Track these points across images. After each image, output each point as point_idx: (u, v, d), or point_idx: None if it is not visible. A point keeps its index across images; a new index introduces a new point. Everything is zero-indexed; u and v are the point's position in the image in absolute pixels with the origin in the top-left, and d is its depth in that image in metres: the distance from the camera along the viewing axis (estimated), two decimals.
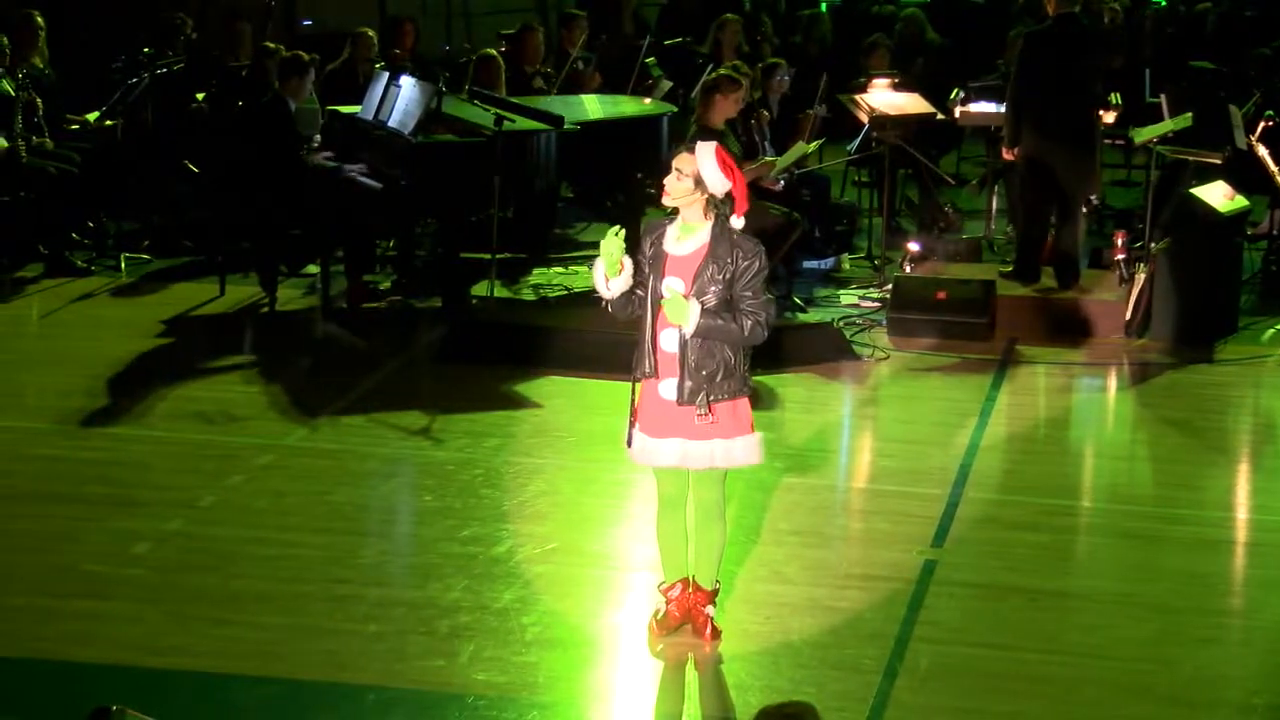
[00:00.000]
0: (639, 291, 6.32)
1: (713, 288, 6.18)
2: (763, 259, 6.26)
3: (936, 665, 6.44)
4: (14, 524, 7.72)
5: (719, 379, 6.23)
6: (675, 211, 6.32)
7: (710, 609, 6.56)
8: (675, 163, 6.25)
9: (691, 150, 6.24)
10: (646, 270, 6.31)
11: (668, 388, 6.27)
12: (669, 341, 6.25)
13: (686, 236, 6.27)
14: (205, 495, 8.05)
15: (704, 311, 6.14)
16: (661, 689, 6.42)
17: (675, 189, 6.24)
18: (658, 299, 6.22)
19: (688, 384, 6.22)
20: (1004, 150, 11.48)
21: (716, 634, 6.55)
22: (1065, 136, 10.97)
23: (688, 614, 6.60)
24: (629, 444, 6.41)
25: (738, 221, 6.25)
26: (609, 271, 6.25)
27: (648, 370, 6.30)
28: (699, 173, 6.19)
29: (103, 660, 6.37)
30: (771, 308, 6.29)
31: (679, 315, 6.13)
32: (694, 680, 6.41)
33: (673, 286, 6.18)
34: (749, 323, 6.19)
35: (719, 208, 6.23)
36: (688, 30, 16.20)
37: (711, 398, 6.23)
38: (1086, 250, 11.68)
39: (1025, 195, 11.29)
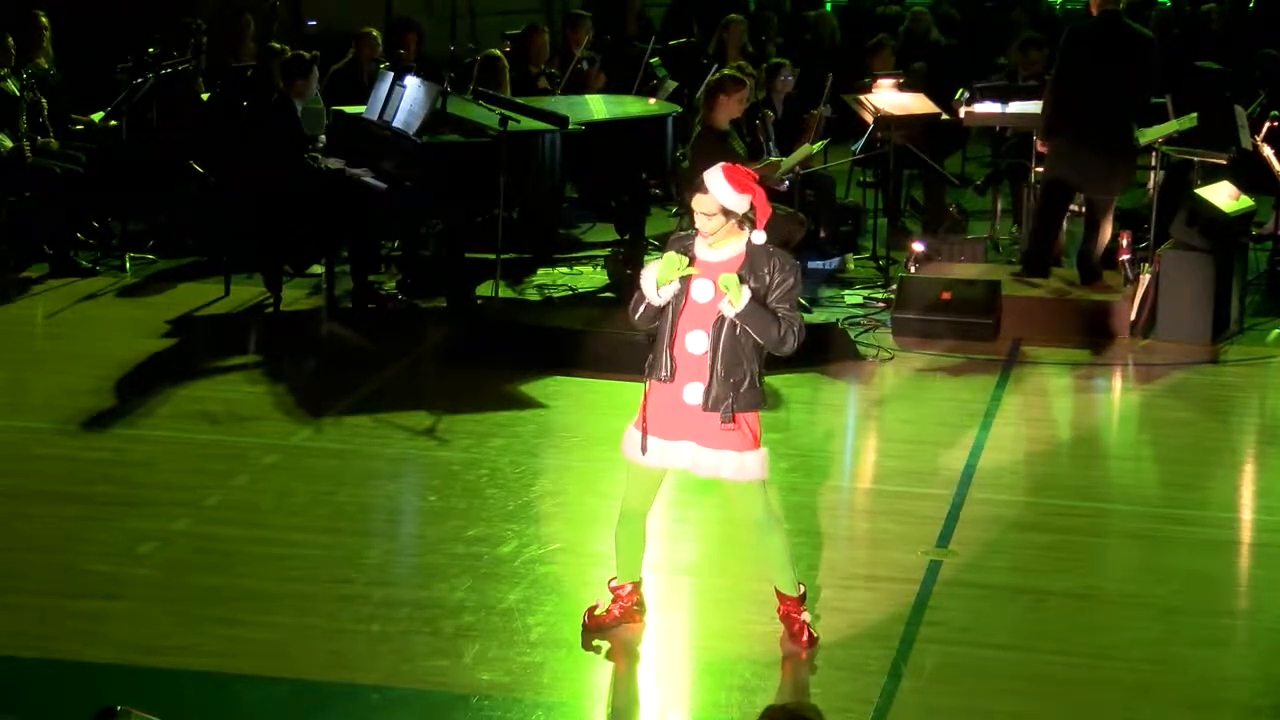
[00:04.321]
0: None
1: None
2: (799, 275, 6.25)
3: (942, 666, 6.44)
4: (20, 524, 7.73)
5: (744, 389, 6.22)
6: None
7: (805, 615, 6.54)
8: (696, 206, 6.19)
9: (704, 189, 6.18)
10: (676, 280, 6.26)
11: (692, 392, 6.24)
12: (696, 344, 6.22)
13: (720, 245, 6.24)
14: (211, 495, 8.05)
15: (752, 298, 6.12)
16: (666, 690, 6.43)
17: (709, 227, 6.18)
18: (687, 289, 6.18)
19: (714, 391, 6.20)
20: (1039, 143, 11.46)
21: (813, 641, 6.52)
22: (1098, 139, 10.92)
23: (627, 614, 6.63)
24: (642, 450, 6.36)
25: (759, 236, 6.21)
26: (662, 278, 6.19)
27: (664, 374, 6.27)
28: (721, 205, 6.15)
29: (108, 660, 6.38)
30: (802, 324, 6.27)
31: (734, 289, 6.07)
32: (698, 681, 6.41)
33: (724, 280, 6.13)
34: (784, 327, 6.17)
35: (750, 222, 6.21)
36: (693, 30, 16.21)
37: (736, 407, 6.22)
38: None
39: (1045, 191, 11.26)
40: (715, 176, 6.18)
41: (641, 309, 6.32)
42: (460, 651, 6.49)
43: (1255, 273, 11.84)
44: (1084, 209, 11.37)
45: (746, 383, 6.23)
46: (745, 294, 6.10)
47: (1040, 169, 11.58)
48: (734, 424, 6.23)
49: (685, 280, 6.23)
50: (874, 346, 10.56)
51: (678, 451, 6.33)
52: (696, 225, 6.23)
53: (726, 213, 6.16)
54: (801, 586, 6.58)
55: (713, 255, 6.24)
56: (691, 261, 6.23)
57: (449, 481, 8.31)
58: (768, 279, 6.17)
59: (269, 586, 7.03)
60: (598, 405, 9.46)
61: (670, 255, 6.21)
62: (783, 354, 6.30)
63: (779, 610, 6.57)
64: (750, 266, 6.19)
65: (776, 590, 6.56)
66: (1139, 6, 18.45)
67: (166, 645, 6.49)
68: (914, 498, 8.17)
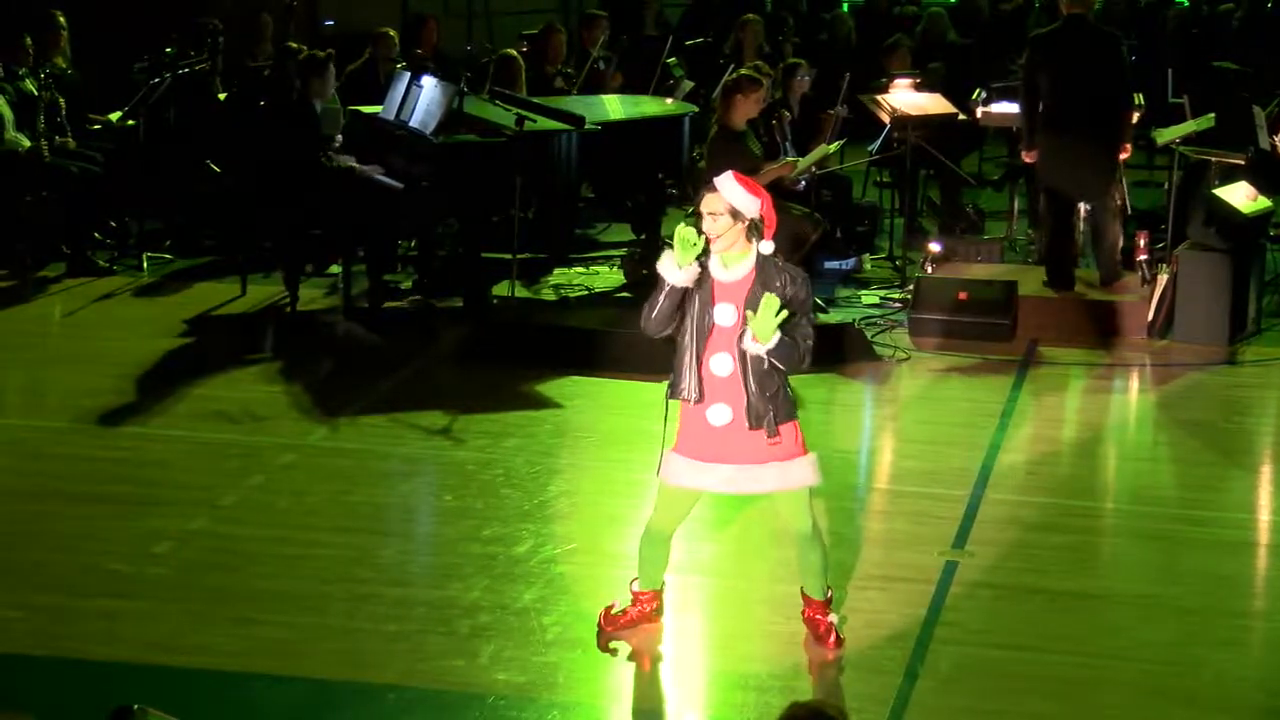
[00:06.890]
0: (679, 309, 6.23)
1: None
2: (810, 287, 6.21)
3: (957, 667, 6.43)
4: (36, 523, 7.75)
5: (780, 399, 6.19)
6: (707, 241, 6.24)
7: (832, 617, 6.53)
8: (704, 206, 6.14)
9: (713, 188, 6.16)
10: (693, 295, 6.18)
11: (718, 414, 6.18)
12: (721, 366, 6.16)
13: (732, 264, 6.17)
14: (227, 494, 8.06)
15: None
16: (682, 690, 6.43)
17: (715, 229, 6.11)
18: (713, 324, 6.14)
19: (755, 408, 6.15)
20: (1023, 153, 11.47)
21: (840, 642, 6.50)
22: (1078, 140, 10.90)
23: (644, 617, 6.60)
24: (659, 469, 6.31)
25: (767, 246, 6.15)
26: (680, 259, 6.08)
27: (690, 394, 6.21)
28: (731, 205, 6.10)
29: (124, 659, 6.39)
30: (814, 336, 6.23)
31: (764, 329, 5.99)
32: (715, 682, 6.41)
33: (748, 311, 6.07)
34: (803, 349, 6.12)
35: (758, 231, 6.15)
36: (709, 30, 16.20)
37: (778, 419, 6.19)
38: None
39: (1045, 204, 11.26)
40: (725, 178, 6.17)
41: (661, 301, 6.14)
42: (476, 651, 6.49)
43: (1273, 273, 11.79)
44: (1088, 216, 11.36)
45: (782, 393, 6.20)
46: (776, 335, 6.03)
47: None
48: (778, 436, 6.19)
49: (707, 303, 6.18)
50: (890, 347, 10.55)
51: (712, 472, 6.25)
52: (704, 228, 6.18)
53: (734, 213, 6.10)
54: (829, 591, 6.57)
55: (726, 275, 6.19)
56: (709, 281, 6.19)
57: (465, 481, 8.32)
58: (780, 290, 6.10)
59: (284, 586, 7.04)
60: (614, 405, 9.46)
61: (680, 234, 6.06)
62: (798, 372, 6.26)
63: (803, 613, 6.55)
64: (762, 282, 6.13)
65: (803, 592, 6.54)
66: (1155, 7, 18.46)
67: (182, 644, 6.50)
68: (930, 498, 8.16)
